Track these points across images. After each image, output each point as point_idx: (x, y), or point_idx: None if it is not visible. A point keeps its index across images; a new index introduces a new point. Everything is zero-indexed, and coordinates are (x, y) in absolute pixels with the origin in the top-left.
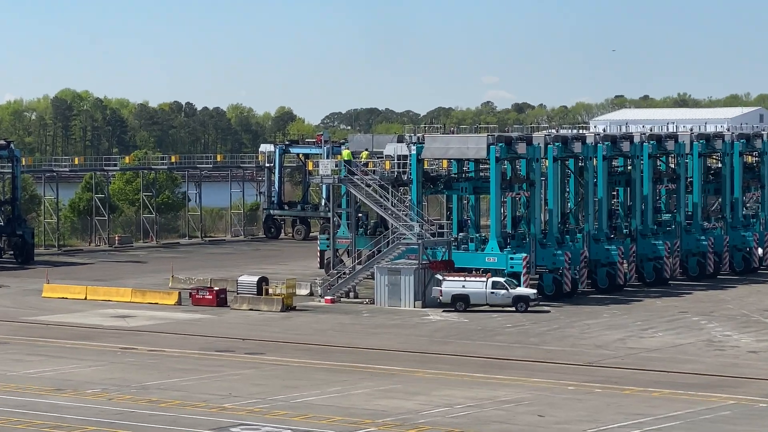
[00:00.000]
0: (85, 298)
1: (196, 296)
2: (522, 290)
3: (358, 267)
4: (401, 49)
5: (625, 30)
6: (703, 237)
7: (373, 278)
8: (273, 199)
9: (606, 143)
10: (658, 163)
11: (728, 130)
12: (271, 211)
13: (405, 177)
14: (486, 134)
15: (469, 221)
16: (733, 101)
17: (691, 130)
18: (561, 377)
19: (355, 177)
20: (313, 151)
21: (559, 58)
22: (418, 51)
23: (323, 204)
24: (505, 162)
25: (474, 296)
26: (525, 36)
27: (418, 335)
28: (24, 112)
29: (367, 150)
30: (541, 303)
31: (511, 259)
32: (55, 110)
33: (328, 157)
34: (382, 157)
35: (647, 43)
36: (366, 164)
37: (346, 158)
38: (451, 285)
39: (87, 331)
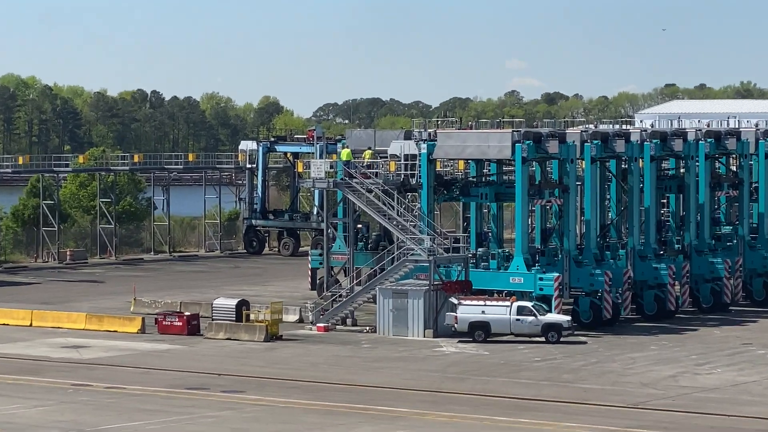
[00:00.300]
0: (31, 325)
1: (163, 323)
2: (553, 317)
3: (357, 288)
4: (408, 28)
5: (677, 6)
6: None
7: (374, 302)
8: (255, 206)
9: (654, 141)
10: (717, 165)
11: None
12: (253, 222)
13: (413, 181)
14: (510, 130)
15: (489, 234)
16: None
17: (757, 125)
18: (600, 422)
19: (354, 181)
20: (304, 149)
21: (598, 39)
22: (428, 30)
23: (315, 213)
24: (534, 163)
25: (496, 324)
26: (557, 12)
27: (428, 370)
28: None
29: (370, 149)
30: (576, 332)
31: (541, 279)
32: None
33: (321, 157)
34: (386, 157)
35: (704, 22)
36: (369, 166)
37: (345, 159)
38: (469, 310)
39: (32, 363)
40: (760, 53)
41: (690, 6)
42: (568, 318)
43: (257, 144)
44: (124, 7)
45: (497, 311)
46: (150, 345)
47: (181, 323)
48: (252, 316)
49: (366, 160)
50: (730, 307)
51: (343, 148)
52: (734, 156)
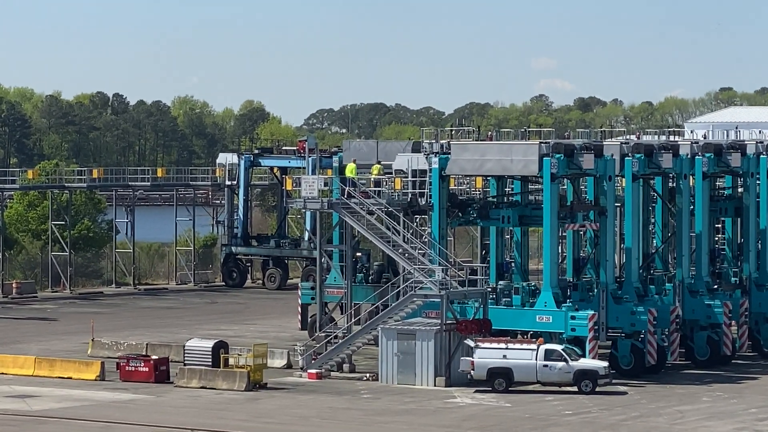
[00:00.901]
0: None
1: (126, 368)
2: (588, 362)
3: (356, 328)
4: (417, 21)
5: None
6: None
7: (376, 344)
8: (236, 231)
9: (707, 155)
10: None
11: None
12: (234, 249)
13: (423, 201)
14: (538, 141)
15: (512, 264)
16: None
17: None
18: None
19: (353, 201)
20: (293, 163)
21: (641, 34)
22: (440, 23)
23: (307, 239)
24: (565, 181)
25: (519, 370)
26: (592, 4)
27: (440, 426)
28: None
29: (380, 162)
30: (614, 381)
31: (573, 318)
32: None
33: (314, 173)
34: (391, 173)
35: (765, 15)
36: (378, 183)
37: (350, 174)
38: (488, 354)
39: None
40: None
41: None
42: (605, 364)
43: (238, 157)
44: None
45: (521, 356)
46: (110, 394)
47: (147, 369)
48: (231, 361)
49: (373, 176)
50: None
51: (342, 162)
52: None
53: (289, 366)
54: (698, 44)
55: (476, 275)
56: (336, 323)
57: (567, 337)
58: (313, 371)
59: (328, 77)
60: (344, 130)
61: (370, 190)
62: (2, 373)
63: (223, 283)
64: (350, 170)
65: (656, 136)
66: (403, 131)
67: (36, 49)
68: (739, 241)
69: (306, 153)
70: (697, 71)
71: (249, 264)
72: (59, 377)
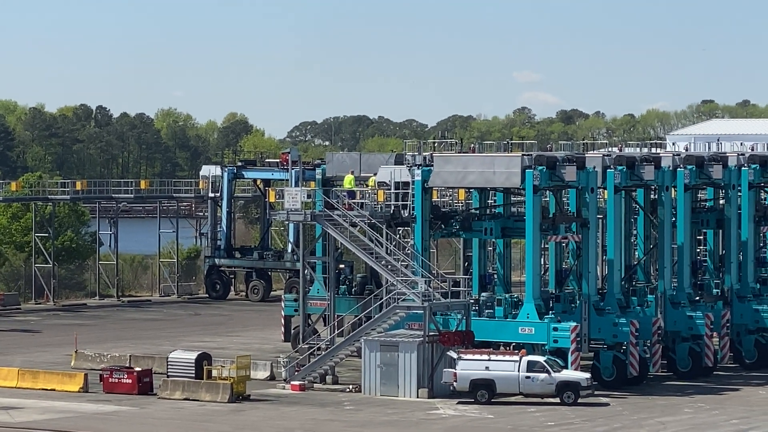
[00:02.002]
0: None
1: (110, 380)
2: (570, 374)
3: (339, 340)
4: (400, 34)
5: (716, 11)
6: None
7: (359, 356)
8: (219, 243)
9: (689, 167)
10: (763, 195)
11: None
12: (217, 261)
13: (405, 213)
14: (520, 153)
15: (495, 276)
16: None
17: None
18: None
19: (336, 213)
20: (276, 175)
21: (623, 47)
22: (423, 36)
23: (290, 251)
24: (548, 193)
25: (502, 382)
26: (574, 17)
27: None
28: None
29: (353, 172)
30: (596, 392)
31: (555, 329)
32: None
33: (297, 185)
34: (373, 185)
35: (747, 29)
36: (351, 195)
37: (348, 186)
38: (470, 366)
39: None
40: None
41: (730, 12)
42: (588, 375)
43: (221, 169)
44: (64, 7)
45: (504, 367)
46: (94, 406)
47: (130, 380)
48: (215, 373)
49: (345, 187)
50: None
51: (324, 174)
52: None
53: (272, 378)
54: (680, 57)
55: (459, 287)
56: (319, 335)
57: (549, 349)
58: (296, 383)
59: (311, 90)
60: (327, 143)
61: (353, 203)
62: None
63: (207, 295)
64: (348, 182)
65: (638, 149)
66: (386, 144)
67: (19, 62)
68: (720, 253)
69: (289, 165)
70: (678, 84)
71: (232, 276)
72: (42, 389)
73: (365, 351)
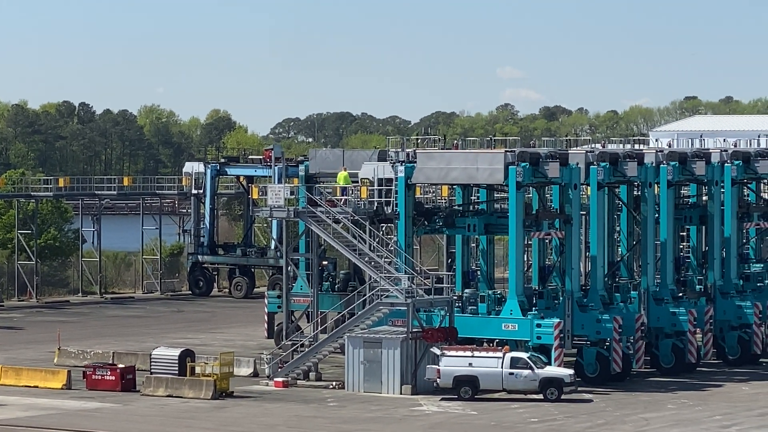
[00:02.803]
0: None
1: (93, 377)
2: (553, 370)
3: (322, 337)
4: (383, 30)
5: (699, 8)
6: None
7: (342, 353)
8: (202, 240)
9: (672, 164)
10: (746, 191)
11: None
12: (200, 258)
13: (389, 210)
14: (503, 150)
15: (478, 272)
16: None
17: None
18: None
19: (319, 209)
20: (260, 172)
21: (606, 43)
22: (406, 33)
23: (273, 248)
24: (531, 189)
25: (485, 378)
26: (557, 13)
27: None
28: None
29: (346, 169)
30: (579, 388)
31: (538, 326)
32: None
33: (280, 182)
34: (357, 182)
35: (730, 26)
36: (344, 191)
37: (342, 183)
38: (454, 362)
39: None
40: None
41: (713, 9)
42: (571, 372)
43: (205, 166)
44: (47, 4)
45: (487, 364)
46: (77, 403)
47: (113, 377)
48: (198, 369)
49: (341, 184)
50: (761, 359)
51: (308, 170)
52: (766, 181)
53: (255, 374)
54: (663, 54)
55: (442, 283)
56: (302, 332)
57: (533, 345)
58: (280, 379)
59: (294, 86)
60: (310, 139)
61: (336, 199)
62: None
63: (190, 292)
64: (344, 179)
65: (621, 145)
66: (369, 140)
67: (2, 59)
68: (703, 249)
69: (272, 162)
70: (662, 80)
71: (215, 273)
72: (26, 386)
73: (348, 347)
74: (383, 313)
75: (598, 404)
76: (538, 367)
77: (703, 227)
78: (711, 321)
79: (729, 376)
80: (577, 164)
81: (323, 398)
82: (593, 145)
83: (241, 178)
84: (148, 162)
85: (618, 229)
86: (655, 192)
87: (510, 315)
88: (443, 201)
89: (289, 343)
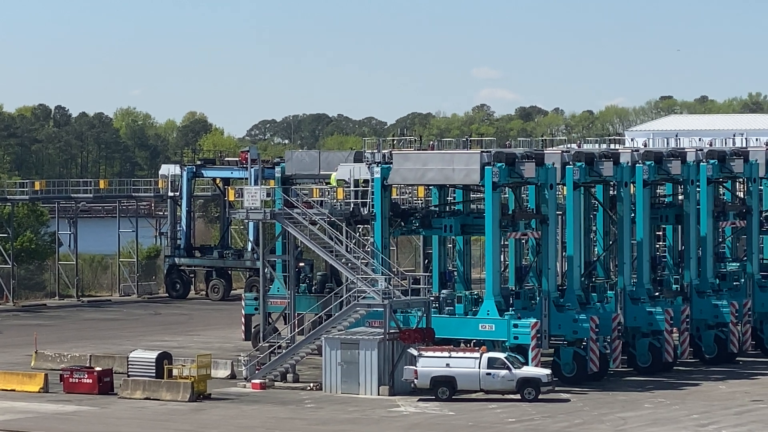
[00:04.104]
0: None
1: (70, 380)
2: (530, 370)
3: (300, 338)
4: (358, 31)
5: (674, 7)
6: None
7: (320, 354)
8: (179, 242)
9: (648, 163)
10: (721, 190)
11: None
12: (177, 260)
13: (365, 211)
14: (479, 150)
15: (455, 273)
16: None
17: (767, 144)
18: None
19: (295, 211)
20: (236, 174)
21: (582, 43)
22: (381, 34)
23: (250, 249)
24: (507, 189)
25: (463, 379)
26: (532, 12)
27: None
28: None
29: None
30: (557, 388)
31: (515, 326)
32: None
33: (256, 183)
34: (333, 183)
35: (705, 26)
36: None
37: (335, 184)
38: (431, 363)
39: None
40: None
41: (688, 8)
42: (548, 372)
43: (181, 168)
44: (21, 7)
45: (464, 364)
46: (54, 406)
47: (91, 380)
48: (175, 372)
49: (333, 184)
50: (738, 358)
51: (284, 172)
52: (741, 180)
53: (233, 376)
54: (638, 53)
55: (419, 284)
56: (279, 333)
57: (510, 345)
58: (257, 381)
59: (270, 88)
60: (287, 141)
61: (313, 201)
62: None
63: (167, 295)
64: (335, 179)
65: (597, 145)
66: (346, 141)
67: None
68: (679, 249)
69: (248, 164)
70: (637, 80)
71: (192, 275)
72: (2, 389)
73: (326, 349)
74: (360, 314)
75: (576, 404)
76: (515, 367)
77: (679, 226)
78: (687, 320)
79: (706, 375)
80: (553, 164)
81: (301, 400)
82: (569, 145)
83: (218, 180)
84: (124, 165)
85: (594, 228)
86: (631, 191)
87: (487, 315)
88: (419, 202)
89: (267, 344)
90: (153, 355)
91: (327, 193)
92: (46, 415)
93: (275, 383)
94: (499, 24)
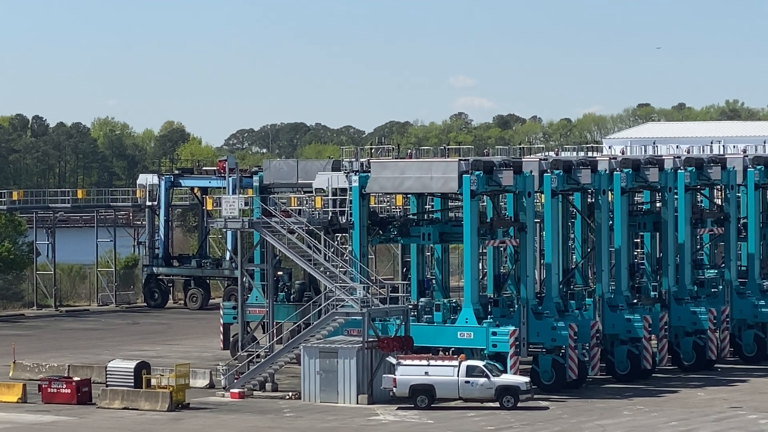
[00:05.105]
0: None
1: (48, 390)
2: (509, 378)
3: (278, 347)
4: (336, 40)
5: (652, 15)
6: (762, 302)
7: (298, 363)
8: (157, 251)
9: (625, 171)
10: (699, 197)
11: None
12: (155, 269)
13: (343, 219)
14: (457, 159)
15: (433, 281)
16: None
17: (745, 151)
18: None
19: (273, 220)
20: (214, 183)
21: (558, 52)
22: (359, 42)
23: (228, 259)
24: (485, 197)
25: (441, 387)
26: (510, 21)
27: None
28: None
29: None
30: (536, 396)
31: (494, 334)
32: None
33: (234, 192)
34: (311, 192)
35: (683, 33)
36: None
37: None
38: (410, 371)
39: None
40: (747, 68)
41: (667, 16)
42: (527, 379)
43: (159, 178)
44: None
45: (443, 372)
46: (33, 416)
47: (69, 390)
48: (154, 381)
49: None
50: (716, 365)
51: (262, 181)
52: (719, 187)
53: (211, 386)
54: (616, 61)
55: (397, 292)
56: (258, 342)
57: (488, 353)
58: (236, 390)
59: (248, 97)
60: (264, 150)
61: (291, 210)
62: None
63: (145, 304)
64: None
65: (575, 153)
66: (324, 150)
67: None
68: (657, 256)
69: (226, 173)
70: (614, 88)
71: (170, 284)
72: None
73: (304, 358)
74: (339, 322)
75: (555, 411)
76: (494, 375)
77: (657, 234)
78: (666, 327)
79: (684, 382)
80: (531, 172)
81: (280, 409)
82: (547, 153)
83: (196, 190)
84: (102, 174)
85: (572, 236)
86: (609, 199)
87: (465, 323)
88: (398, 210)
89: (245, 354)
90: (131, 364)
91: (305, 201)
92: (24, 426)
93: (254, 392)
94: (477, 32)
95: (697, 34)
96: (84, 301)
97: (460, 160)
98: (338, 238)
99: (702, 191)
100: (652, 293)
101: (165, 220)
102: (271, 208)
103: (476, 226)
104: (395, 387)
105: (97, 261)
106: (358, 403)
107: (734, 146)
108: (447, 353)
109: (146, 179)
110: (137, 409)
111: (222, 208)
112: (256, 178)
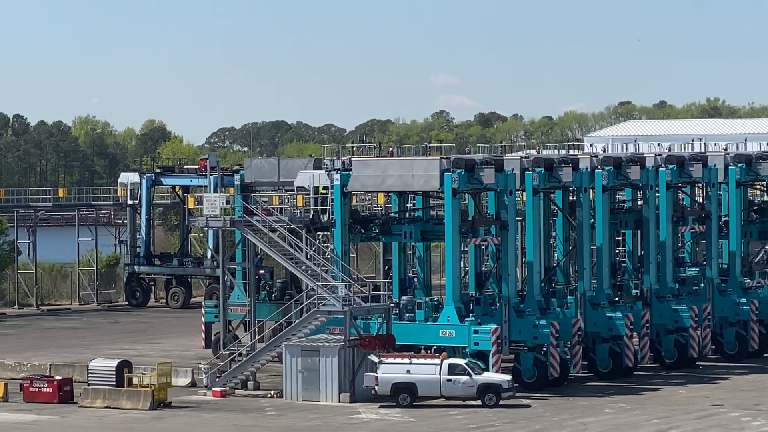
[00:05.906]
0: None
1: (30, 389)
2: (491, 376)
3: (260, 346)
4: (317, 38)
5: (632, 12)
6: (743, 299)
7: (280, 361)
8: (138, 250)
9: (607, 168)
10: (680, 195)
11: None
12: (137, 268)
13: (325, 218)
14: (439, 157)
15: (415, 279)
16: None
17: (726, 149)
18: None
19: (255, 219)
20: (195, 182)
21: (539, 50)
22: (340, 40)
23: (209, 257)
24: (466, 196)
25: (423, 385)
26: (491, 19)
27: None
28: None
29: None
30: (517, 394)
31: (476, 332)
32: None
33: (215, 191)
34: (292, 190)
35: (663, 31)
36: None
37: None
38: (392, 370)
39: None
40: (728, 66)
41: (647, 13)
42: (509, 377)
43: (140, 176)
44: None
45: (425, 370)
46: (14, 416)
47: (50, 389)
48: (135, 380)
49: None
50: (698, 363)
51: (243, 179)
52: (700, 185)
53: (193, 384)
54: (596, 59)
55: (379, 291)
56: (240, 341)
57: (470, 351)
58: (218, 389)
59: (229, 96)
60: (246, 149)
61: (272, 208)
62: None
63: (127, 303)
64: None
65: (556, 151)
66: (305, 149)
67: None
68: (639, 254)
69: (207, 171)
70: (595, 85)
71: (152, 283)
72: None
73: (286, 356)
74: (320, 321)
75: (536, 409)
76: (476, 373)
77: (639, 231)
78: (647, 325)
79: (666, 380)
80: (513, 170)
81: (261, 407)
82: (528, 151)
83: (177, 188)
84: (83, 173)
85: (554, 234)
86: (591, 197)
87: (447, 321)
88: (379, 208)
89: (227, 352)
90: (113, 363)
91: (286, 200)
92: (5, 425)
93: (236, 391)
94: (458, 30)
95: (678, 32)
96: (65, 300)
97: (441, 158)
98: (320, 237)
99: (683, 189)
100: (633, 291)
101: (146, 219)
102: (252, 206)
103: (458, 225)
104: (377, 385)
105: (79, 260)
106: (340, 402)
107: (715, 144)
108: (429, 351)
109: (127, 178)
110: (119, 408)
111: (203, 206)
112: (237, 176)
